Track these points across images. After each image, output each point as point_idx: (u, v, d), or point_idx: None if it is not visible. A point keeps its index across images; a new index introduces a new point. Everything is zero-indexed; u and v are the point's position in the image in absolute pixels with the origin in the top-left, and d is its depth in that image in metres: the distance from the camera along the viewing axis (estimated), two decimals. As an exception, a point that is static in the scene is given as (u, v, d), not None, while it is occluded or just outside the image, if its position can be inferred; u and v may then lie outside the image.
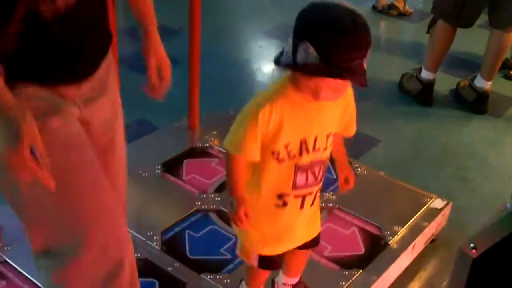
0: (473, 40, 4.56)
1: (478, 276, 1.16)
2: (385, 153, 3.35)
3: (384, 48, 4.93)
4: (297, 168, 1.71)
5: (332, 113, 1.71)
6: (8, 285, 2.15)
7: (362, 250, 2.38)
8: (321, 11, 1.55)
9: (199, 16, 2.81)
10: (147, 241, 2.34)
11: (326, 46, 1.49)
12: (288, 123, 1.64)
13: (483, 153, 3.43)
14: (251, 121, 1.63)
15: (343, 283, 2.22)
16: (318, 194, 1.83)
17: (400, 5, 5.28)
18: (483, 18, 3.87)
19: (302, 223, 1.85)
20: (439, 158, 3.35)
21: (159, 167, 2.76)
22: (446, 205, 2.63)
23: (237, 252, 1.95)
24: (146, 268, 2.23)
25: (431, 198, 2.66)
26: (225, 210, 2.45)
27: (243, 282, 2.09)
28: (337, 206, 2.59)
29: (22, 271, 2.18)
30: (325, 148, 1.73)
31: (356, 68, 1.56)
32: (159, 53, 1.74)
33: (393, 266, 2.33)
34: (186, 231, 2.40)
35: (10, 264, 2.22)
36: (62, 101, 1.47)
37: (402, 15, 5.29)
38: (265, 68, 4.24)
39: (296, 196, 1.76)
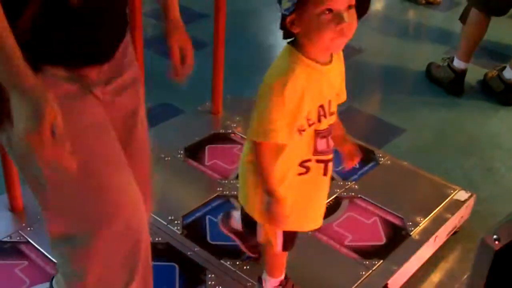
0: (503, 30, 4.50)
1: (500, 268, 1.14)
2: (409, 143, 3.32)
3: (412, 36, 4.89)
4: (317, 134, 1.70)
5: (336, 75, 1.73)
6: (30, 265, 2.17)
7: (383, 240, 2.36)
8: None
9: (224, 1, 2.80)
10: (168, 225, 2.35)
11: None
12: (308, 93, 1.63)
13: (509, 144, 3.38)
14: (279, 103, 1.60)
15: (363, 272, 2.20)
16: (330, 165, 1.80)
17: (429, -6, 5.21)
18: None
19: (324, 194, 1.84)
20: (464, 148, 3.31)
21: (182, 152, 2.76)
22: (470, 197, 2.60)
23: (259, 239, 1.93)
24: (166, 252, 2.24)
25: (455, 190, 2.63)
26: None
27: (264, 277, 2.05)
28: (358, 195, 2.57)
29: (44, 252, 2.20)
30: (334, 112, 1.74)
31: None
32: (181, 37, 1.72)
33: (414, 257, 2.31)
34: (207, 216, 2.40)
35: (33, 245, 2.24)
36: (87, 83, 1.47)
37: (430, 3, 5.21)
38: (290, 54, 4.20)
39: (318, 161, 1.74)
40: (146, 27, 3.97)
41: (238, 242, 2.21)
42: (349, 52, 4.28)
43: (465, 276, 2.38)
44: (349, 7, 1.54)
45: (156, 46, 4.00)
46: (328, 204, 2.49)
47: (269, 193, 1.68)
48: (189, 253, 2.24)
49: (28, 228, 2.31)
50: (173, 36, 1.71)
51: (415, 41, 4.74)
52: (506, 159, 3.24)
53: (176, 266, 2.20)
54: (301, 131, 1.67)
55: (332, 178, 2.64)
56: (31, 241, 2.26)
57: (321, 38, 1.56)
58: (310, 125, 1.68)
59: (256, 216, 1.85)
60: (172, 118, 3.18)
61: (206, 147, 2.80)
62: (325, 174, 1.78)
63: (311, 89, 1.63)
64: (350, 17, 1.54)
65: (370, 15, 5.21)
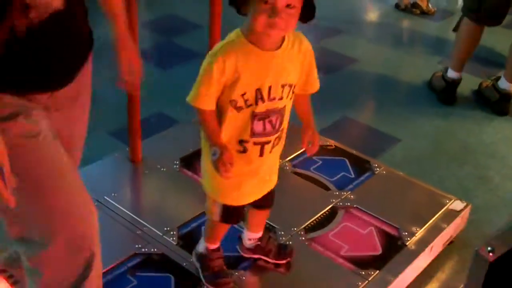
0: (497, 40, 4.52)
1: (495, 279, 1.15)
2: (404, 152, 3.33)
3: (407, 46, 4.91)
4: (254, 116, 1.80)
5: (286, 64, 1.80)
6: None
7: (379, 250, 2.36)
8: None
9: (219, 10, 2.80)
10: (164, 236, 2.35)
11: None
12: (244, 73, 1.74)
13: (503, 153, 3.39)
14: (207, 74, 1.73)
15: (359, 283, 2.20)
16: (278, 143, 1.91)
17: (423, 4, 5.23)
18: (508, 19, 3.83)
19: (262, 171, 1.95)
20: (458, 157, 3.32)
21: (177, 162, 2.76)
22: (465, 207, 2.61)
23: (205, 210, 2.07)
24: (162, 262, 2.24)
25: (450, 200, 2.63)
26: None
27: (201, 239, 2.18)
28: (354, 205, 2.57)
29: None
30: (281, 98, 1.81)
31: None
32: (128, 47, 1.76)
33: (410, 267, 2.31)
34: (203, 227, 2.39)
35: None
36: (30, 105, 1.49)
37: (425, 13, 5.24)
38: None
39: (255, 143, 1.85)
40: (141, 38, 3.99)
41: (264, 258, 2.26)
42: (344, 62, 4.30)
43: (461, 287, 2.38)
44: (288, 5, 1.64)
45: (150, 57, 4.03)
46: (324, 214, 2.51)
47: (217, 146, 1.79)
48: (184, 264, 2.24)
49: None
50: (120, 48, 1.75)
51: (410, 51, 4.76)
52: (500, 167, 3.25)
53: (172, 277, 2.19)
54: (237, 108, 1.78)
55: (328, 188, 2.66)
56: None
57: (254, 21, 1.67)
58: (248, 106, 1.79)
59: (205, 185, 2.00)
60: (167, 128, 3.18)
61: (202, 158, 2.80)
62: (261, 155, 1.88)
63: (248, 71, 1.74)
64: (286, 15, 1.64)
65: (365, 25, 5.25)
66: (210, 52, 1.75)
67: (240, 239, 2.27)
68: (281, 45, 1.77)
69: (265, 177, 1.99)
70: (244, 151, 1.86)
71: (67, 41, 1.51)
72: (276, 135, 1.88)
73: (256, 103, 1.78)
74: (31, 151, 1.49)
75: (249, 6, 1.67)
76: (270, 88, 1.79)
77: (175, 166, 2.74)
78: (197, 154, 2.78)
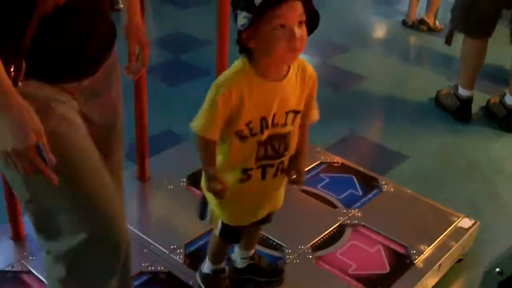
0: (507, 57, 4.51)
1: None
2: (412, 169, 3.32)
3: (414, 63, 4.91)
4: (259, 144, 1.80)
5: (290, 92, 1.78)
6: (31, 295, 2.17)
7: (387, 268, 2.35)
8: None
9: (227, 28, 2.81)
10: (171, 254, 2.34)
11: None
12: (249, 103, 1.72)
13: (511, 169, 3.37)
14: (213, 105, 1.71)
15: (367, 301, 2.19)
16: (282, 167, 1.88)
17: (430, 21, 5.24)
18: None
19: (265, 195, 1.94)
20: (467, 174, 3.31)
21: (184, 180, 2.76)
22: (473, 224, 2.59)
23: (206, 218, 2.04)
24: (168, 281, 2.23)
25: (458, 217, 2.62)
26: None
27: (206, 260, 2.16)
28: (362, 223, 2.56)
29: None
30: (284, 124, 1.81)
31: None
32: (139, 35, 1.81)
33: (418, 285, 2.29)
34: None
35: (34, 274, 2.23)
36: (64, 95, 1.51)
37: (432, 30, 5.25)
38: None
39: (258, 167, 1.84)
40: (150, 55, 4.01)
41: (256, 278, 2.25)
42: (352, 79, 4.30)
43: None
44: (300, 23, 1.63)
45: (158, 74, 4.05)
46: (332, 232, 2.50)
47: (209, 174, 1.82)
48: (191, 282, 2.23)
49: (30, 258, 2.30)
50: (131, 36, 1.79)
51: (417, 67, 4.76)
52: (509, 184, 3.23)
53: (179, 295, 2.19)
54: (242, 137, 1.77)
55: (335, 206, 2.65)
56: (33, 270, 2.24)
57: (274, 52, 1.65)
58: (253, 135, 1.77)
59: (208, 196, 1.97)
60: (175, 145, 3.19)
61: (209, 175, 2.80)
62: (263, 178, 1.86)
63: (253, 100, 1.73)
64: (301, 32, 1.63)
65: (372, 42, 5.26)
66: (216, 83, 1.73)
67: (230, 260, 2.24)
68: (286, 75, 1.75)
69: (267, 201, 1.97)
70: (248, 178, 1.84)
71: (93, 25, 1.53)
72: (280, 159, 1.85)
73: (262, 132, 1.77)
74: (67, 137, 1.50)
75: (255, 39, 1.65)
76: (274, 115, 1.77)
77: (182, 183, 2.74)
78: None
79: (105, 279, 1.63)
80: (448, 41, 3.83)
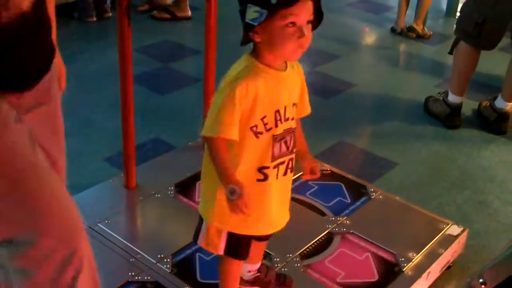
0: (493, 63, 4.53)
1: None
2: (401, 177, 3.31)
3: (404, 70, 4.92)
4: (274, 139, 1.78)
5: (295, 83, 1.82)
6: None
7: (375, 277, 2.33)
8: None
9: (214, 36, 2.81)
10: (158, 263, 2.32)
11: None
12: (263, 96, 1.72)
13: (502, 177, 3.37)
14: (229, 101, 1.68)
15: (356, 310, 2.18)
16: (291, 166, 1.87)
17: (419, 28, 5.26)
18: (504, 41, 3.84)
19: (276, 195, 1.87)
20: (456, 182, 3.30)
21: (172, 188, 2.74)
22: (462, 231, 2.58)
23: (200, 242, 1.95)
24: (155, 290, 2.21)
25: (447, 224, 2.61)
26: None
27: None
28: (350, 231, 2.55)
29: None
30: (293, 118, 1.82)
31: None
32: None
33: (407, 293, 2.28)
34: (197, 254, 2.37)
35: None
36: (4, 106, 1.50)
37: (421, 37, 5.26)
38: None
39: (274, 167, 1.81)
40: (138, 63, 4.00)
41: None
42: (342, 86, 4.30)
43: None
44: (308, 22, 1.66)
45: (147, 82, 4.03)
46: (320, 240, 2.48)
47: (230, 184, 1.71)
48: (179, 292, 2.21)
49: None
50: None
51: (407, 74, 4.77)
52: (498, 192, 3.23)
53: (166, 305, 2.17)
54: (257, 133, 1.75)
55: (324, 214, 2.64)
56: None
57: (283, 49, 1.67)
58: (267, 130, 1.76)
59: (206, 214, 1.90)
60: (163, 154, 3.17)
61: (197, 183, 2.77)
62: (277, 177, 1.83)
63: (267, 93, 1.73)
64: (308, 31, 1.67)
65: (362, 50, 5.26)
66: (227, 80, 1.71)
67: None
68: (286, 66, 1.78)
69: (281, 203, 1.92)
70: (265, 178, 1.81)
71: (35, 44, 1.54)
72: (290, 156, 1.85)
73: (276, 125, 1.77)
74: (14, 149, 1.50)
75: (264, 34, 1.66)
76: (285, 108, 1.78)
77: (169, 192, 2.72)
78: (192, 180, 2.79)
79: None
80: (453, 52, 3.84)
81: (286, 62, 1.78)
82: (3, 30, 1.40)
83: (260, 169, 1.80)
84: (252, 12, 1.64)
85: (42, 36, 1.59)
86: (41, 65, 1.61)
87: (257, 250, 2.12)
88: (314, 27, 1.70)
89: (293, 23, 1.63)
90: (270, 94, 1.74)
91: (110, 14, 5.23)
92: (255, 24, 1.64)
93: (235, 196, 1.69)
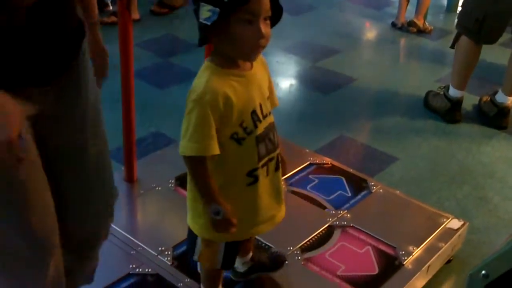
0: (494, 58, 4.53)
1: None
2: (402, 171, 3.31)
3: (404, 65, 4.91)
4: (257, 141, 1.73)
5: (262, 77, 1.77)
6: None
7: (376, 270, 2.34)
8: None
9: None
10: (159, 256, 2.32)
11: None
12: (236, 102, 1.66)
13: (502, 172, 3.37)
14: (203, 118, 1.62)
15: (356, 303, 2.18)
16: (279, 159, 1.84)
17: (420, 23, 5.25)
18: (505, 36, 3.84)
19: (268, 191, 1.84)
20: (457, 177, 3.30)
21: (173, 181, 2.74)
22: (462, 225, 2.59)
23: (196, 257, 1.93)
24: (156, 283, 2.21)
25: (447, 218, 2.61)
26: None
27: None
28: (351, 224, 2.55)
29: None
30: (270, 112, 1.78)
31: None
32: (99, 47, 1.85)
33: (407, 287, 2.28)
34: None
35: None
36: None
37: (421, 32, 5.26)
38: (283, 83, 4.23)
39: (263, 166, 1.77)
40: (139, 58, 4.00)
41: (261, 275, 2.22)
42: (342, 81, 4.30)
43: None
44: (265, 18, 1.61)
45: (148, 76, 4.03)
46: (321, 233, 2.49)
47: (218, 204, 1.69)
48: (179, 284, 2.21)
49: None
50: (92, 48, 1.81)
51: (407, 69, 4.77)
52: (498, 188, 3.23)
53: (166, 297, 2.17)
54: (239, 140, 1.71)
55: (324, 207, 2.64)
56: None
57: (240, 49, 1.63)
58: (249, 133, 1.71)
59: (199, 230, 1.87)
60: (163, 147, 3.18)
61: (198, 177, 2.78)
62: (268, 174, 1.80)
63: (239, 98, 1.67)
64: (267, 27, 1.61)
65: (362, 44, 5.26)
66: (193, 96, 1.63)
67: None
68: (252, 64, 1.72)
69: (275, 197, 1.89)
70: (255, 180, 1.77)
71: (54, 30, 1.48)
72: (277, 151, 1.82)
73: (256, 126, 1.72)
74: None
75: (222, 34, 1.60)
76: (260, 105, 1.74)
77: (170, 185, 2.72)
78: (192, 173, 2.78)
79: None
80: (454, 46, 3.84)
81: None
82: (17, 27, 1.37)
83: (249, 173, 1.76)
84: (205, 11, 1.56)
85: (63, 20, 1.52)
86: (64, 57, 1.54)
87: (249, 243, 2.12)
88: (273, 23, 1.65)
89: (249, 21, 1.57)
90: (242, 97, 1.68)
91: (111, 8, 5.23)
92: (209, 23, 1.56)
93: (220, 217, 1.68)
